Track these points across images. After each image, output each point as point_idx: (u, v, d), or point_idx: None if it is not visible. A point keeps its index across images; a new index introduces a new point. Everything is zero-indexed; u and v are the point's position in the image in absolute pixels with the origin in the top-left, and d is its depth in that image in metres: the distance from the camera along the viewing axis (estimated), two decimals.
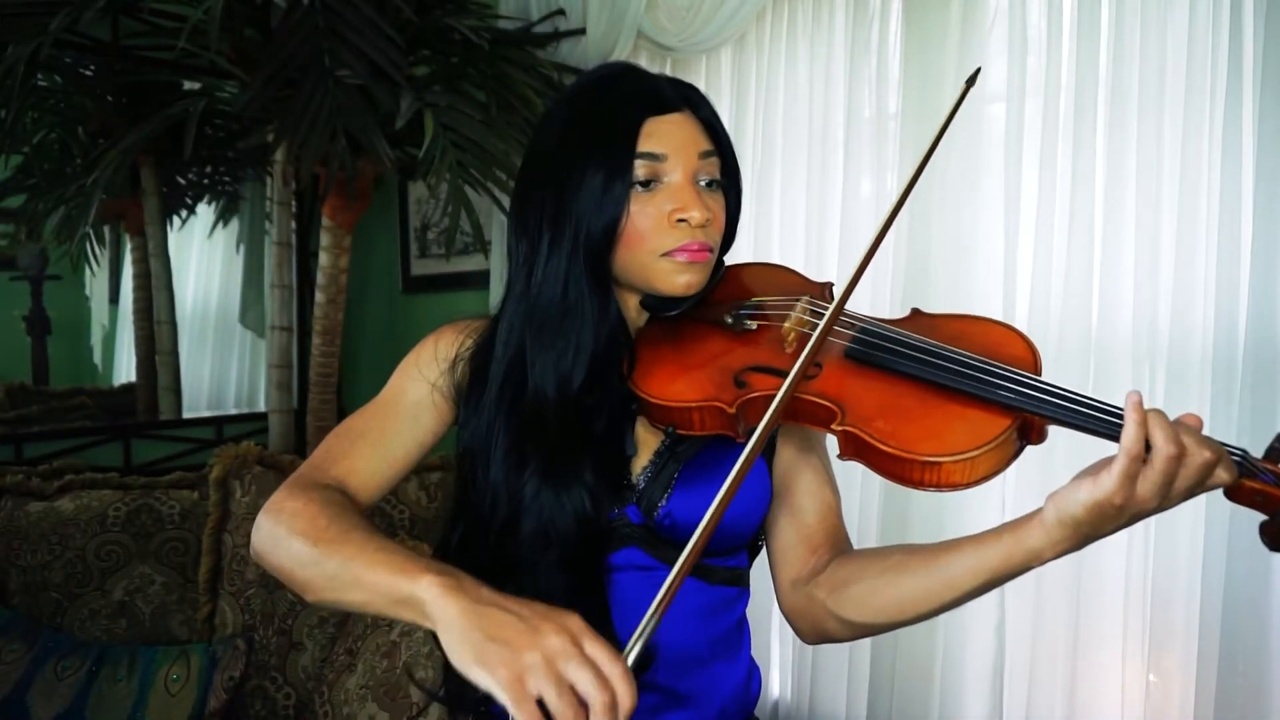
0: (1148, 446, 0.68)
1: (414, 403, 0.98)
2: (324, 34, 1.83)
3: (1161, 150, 1.48)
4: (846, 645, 1.86)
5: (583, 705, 0.63)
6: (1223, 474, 0.69)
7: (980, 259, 1.70)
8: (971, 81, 0.96)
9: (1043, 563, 0.75)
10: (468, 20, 2.11)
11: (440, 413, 0.99)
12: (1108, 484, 0.68)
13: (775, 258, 1.98)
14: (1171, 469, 0.68)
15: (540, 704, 0.63)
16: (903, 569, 0.83)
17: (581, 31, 2.16)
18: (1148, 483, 0.68)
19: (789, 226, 1.98)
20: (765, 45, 2.00)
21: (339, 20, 1.85)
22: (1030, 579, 1.60)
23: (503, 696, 0.63)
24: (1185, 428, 0.69)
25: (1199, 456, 0.68)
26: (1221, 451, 0.69)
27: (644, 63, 2.18)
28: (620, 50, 2.10)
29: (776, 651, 2.03)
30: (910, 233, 1.77)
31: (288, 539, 0.82)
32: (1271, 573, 1.39)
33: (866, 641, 1.83)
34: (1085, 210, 1.54)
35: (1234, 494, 0.71)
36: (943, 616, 1.67)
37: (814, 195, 1.92)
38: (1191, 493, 0.70)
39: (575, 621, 0.67)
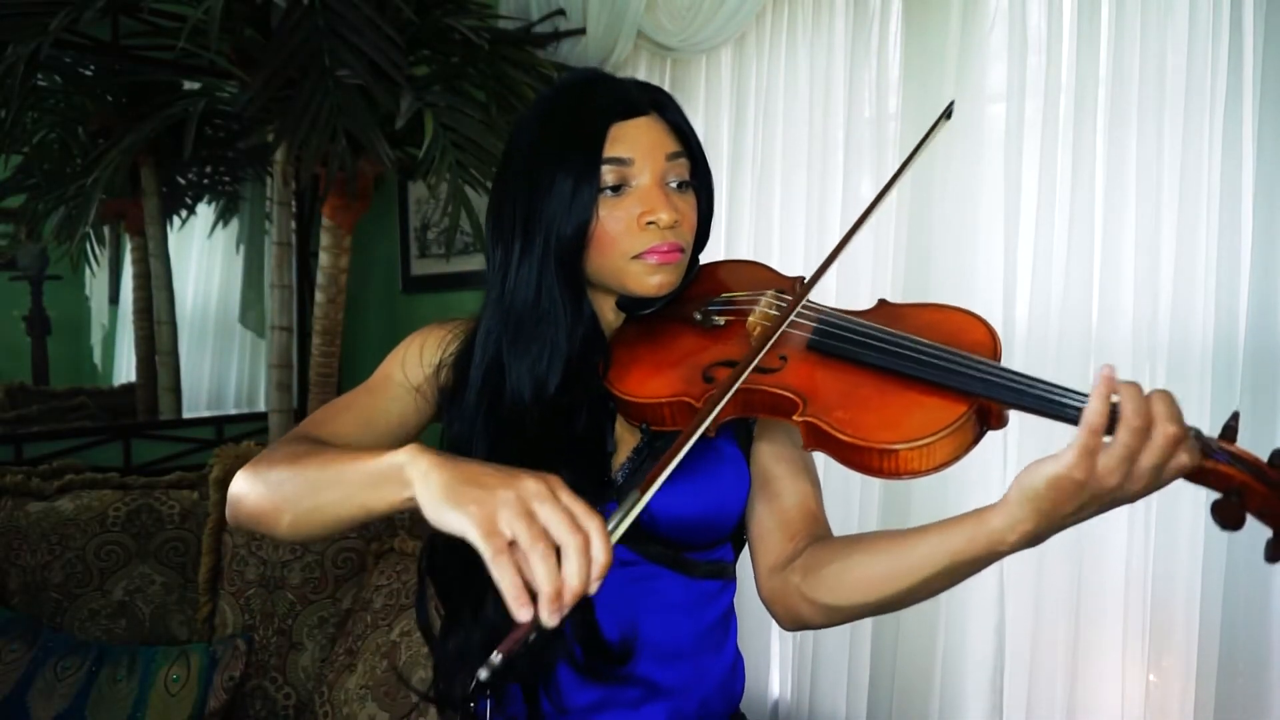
0: (1115, 419, 0.67)
1: (398, 387, 1.01)
2: (324, 34, 1.83)
3: (1161, 150, 1.48)
4: (846, 645, 1.86)
5: (555, 551, 0.61)
6: (1183, 457, 0.68)
7: (980, 259, 1.70)
8: (948, 114, 0.98)
9: (1008, 547, 0.73)
10: (468, 20, 2.11)
11: (420, 411, 1.01)
12: (1067, 458, 0.67)
13: (775, 257, 1.98)
14: (1135, 442, 0.66)
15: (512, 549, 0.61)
16: (873, 550, 0.84)
17: (581, 31, 2.16)
18: (1110, 457, 0.66)
19: (789, 227, 1.98)
20: (765, 45, 2.00)
21: (339, 20, 1.85)
22: (1030, 579, 1.60)
23: (473, 534, 0.62)
24: (1157, 398, 0.68)
25: (1164, 430, 0.66)
26: (1186, 428, 0.68)
27: (644, 62, 2.18)
28: (620, 50, 2.10)
29: (776, 651, 2.03)
30: (910, 233, 1.77)
31: (264, 473, 0.82)
32: (1272, 573, 1.39)
33: (866, 641, 1.83)
34: (1085, 210, 1.54)
35: (1190, 474, 0.71)
36: (943, 616, 1.69)
37: (814, 195, 1.92)
38: (1157, 472, 0.68)
39: (554, 477, 0.65)
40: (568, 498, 0.64)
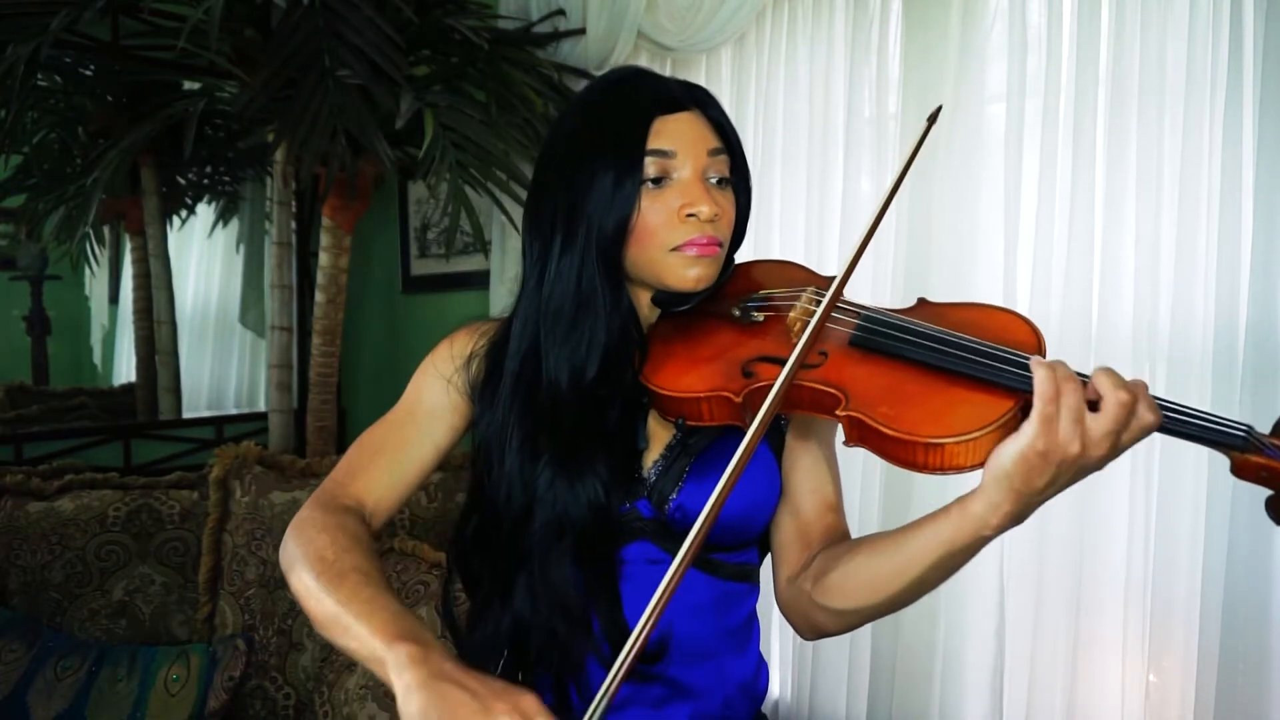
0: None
1: (430, 406, 1.01)
2: (324, 34, 1.83)
3: (1161, 150, 1.48)
4: (846, 645, 1.86)
5: None
6: (1146, 414, 0.71)
7: (981, 259, 1.70)
8: (933, 119, 0.99)
9: (993, 530, 0.75)
10: (468, 20, 2.11)
11: (458, 410, 1.01)
12: (1027, 431, 0.70)
13: (775, 257, 1.98)
14: (1075, 403, 0.69)
15: None
16: (872, 551, 0.85)
17: (581, 31, 2.16)
18: (1064, 423, 0.69)
19: (789, 226, 1.98)
20: (765, 45, 2.00)
21: (339, 20, 1.85)
22: (1030, 580, 1.60)
23: None
24: (1099, 374, 0.71)
25: (1116, 398, 0.69)
26: (1139, 390, 0.71)
27: (644, 63, 2.18)
28: (620, 50, 2.10)
29: (776, 650, 2.03)
30: (911, 233, 1.77)
31: (300, 565, 0.85)
32: (1272, 572, 1.39)
33: (866, 641, 1.83)
34: (1085, 209, 1.54)
35: (1240, 470, 0.72)
36: (943, 617, 1.70)
37: (814, 195, 1.92)
38: (1115, 437, 0.71)
39: (530, 702, 0.67)
40: None
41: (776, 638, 2.02)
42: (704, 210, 0.90)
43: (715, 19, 1.95)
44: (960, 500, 0.77)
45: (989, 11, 1.68)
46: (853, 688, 1.86)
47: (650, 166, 0.91)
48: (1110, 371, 0.71)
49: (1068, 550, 1.56)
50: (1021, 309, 1.61)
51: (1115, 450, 0.72)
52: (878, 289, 1.81)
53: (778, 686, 2.03)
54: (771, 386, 0.79)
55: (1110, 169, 1.53)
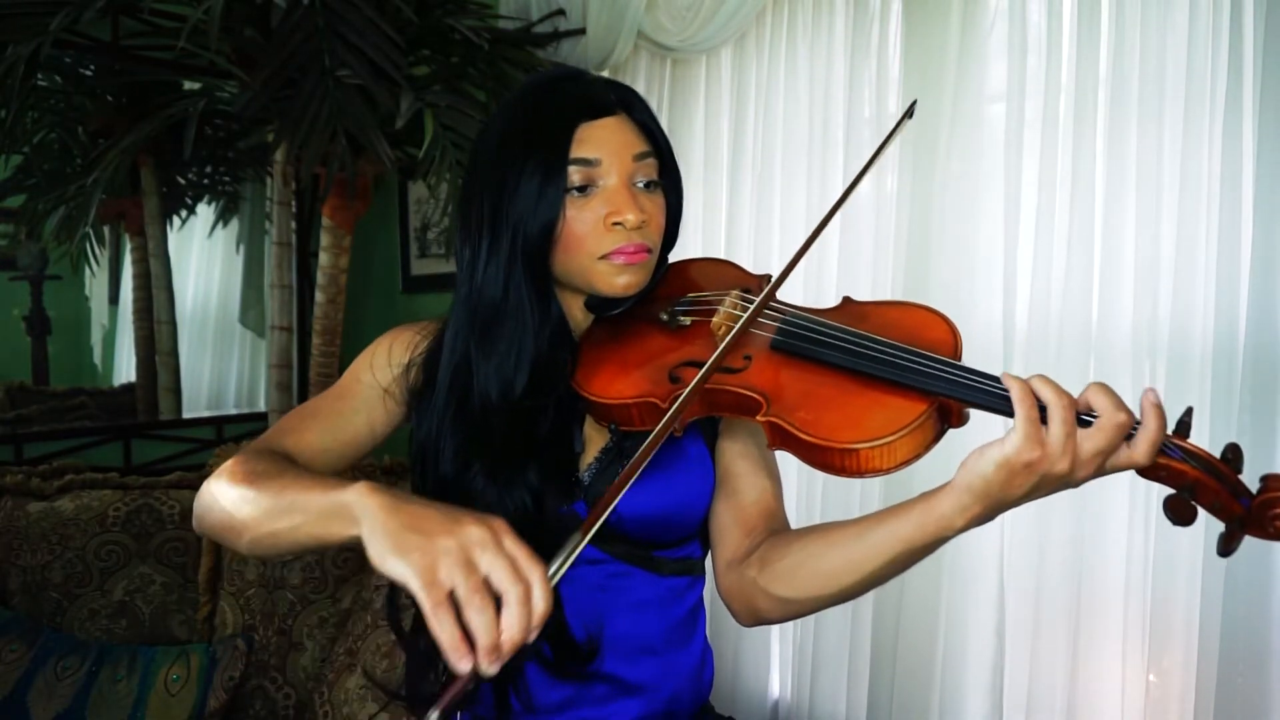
0: (1044, 407, 0.70)
1: (367, 390, 1.02)
2: (324, 34, 1.83)
3: (1161, 150, 1.47)
4: (846, 644, 1.86)
5: (495, 601, 0.60)
6: (1140, 449, 0.70)
7: (980, 259, 1.69)
8: (909, 113, 0.99)
9: (955, 532, 0.75)
10: (468, 20, 2.11)
11: (390, 412, 1.02)
12: (1013, 440, 0.69)
13: (775, 258, 1.98)
14: (1069, 417, 0.69)
15: (453, 599, 0.59)
16: (827, 541, 0.85)
17: (581, 31, 2.16)
18: (1053, 437, 0.69)
19: (789, 227, 1.98)
20: (765, 45, 2.00)
21: (339, 20, 1.85)
22: (1030, 579, 1.60)
23: (414, 584, 0.60)
24: (1093, 390, 0.71)
25: (1114, 418, 0.69)
26: (1133, 416, 0.70)
27: (644, 62, 2.18)
28: (620, 50, 2.10)
29: (776, 651, 2.03)
30: (910, 233, 1.77)
31: (225, 489, 0.82)
32: (1272, 572, 1.39)
33: (866, 641, 1.83)
34: (1085, 210, 1.54)
35: (1143, 470, 0.72)
36: (943, 616, 1.70)
37: (814, 195, 1.91)
38: (1105, 457, 0.70)
39: (499, 522, 0.64)
40: (511, 544, 0.62)
41: (776, 637, 2.02)
42: (630, 218, 0.90)
43: (715, 19, 1.95)
44: (925, 497, 0.77)
45: (989, 11, 1.68)
46: (853, 687, 1.86)
47: (574, 175, 0.90)
48: (1109, 390, 0.71)
49: (1068, 550, 1.56)
50: (1021, 310, 1.62)
51: (1099, 473, 0.71)
52: (878, 288, 1.81)
53: (777, 686, 2.03)
54: (685, 398, 0.80)
55: (1110, 169, 1.53)
